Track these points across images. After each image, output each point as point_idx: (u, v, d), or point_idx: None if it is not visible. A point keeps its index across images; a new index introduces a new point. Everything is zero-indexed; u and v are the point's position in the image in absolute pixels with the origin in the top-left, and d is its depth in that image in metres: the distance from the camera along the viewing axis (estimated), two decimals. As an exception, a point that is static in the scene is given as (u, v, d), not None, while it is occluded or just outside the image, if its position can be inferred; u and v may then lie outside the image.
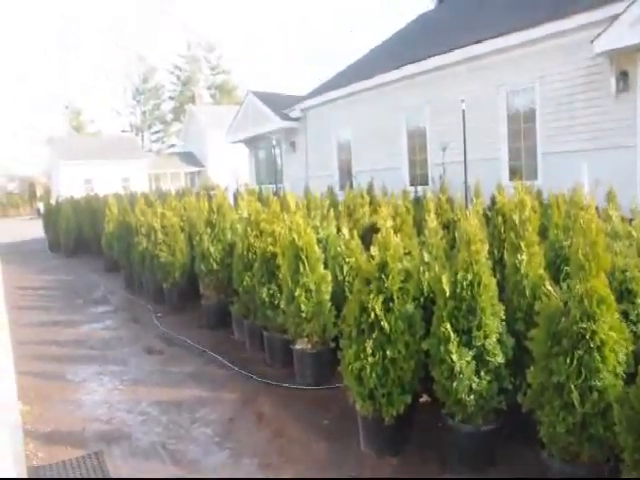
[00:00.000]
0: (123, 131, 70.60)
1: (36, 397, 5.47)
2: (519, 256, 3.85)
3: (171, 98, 73.68)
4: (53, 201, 22.34)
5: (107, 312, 9.32)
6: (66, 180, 44.37)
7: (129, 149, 49.99)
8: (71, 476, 3.90)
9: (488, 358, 3.46)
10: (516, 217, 3.97)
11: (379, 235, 3.86)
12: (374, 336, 3.69)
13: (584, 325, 2.91)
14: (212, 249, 7.50)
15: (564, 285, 3.37)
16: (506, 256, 4.10)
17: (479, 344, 3.46)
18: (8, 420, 4.34)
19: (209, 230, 7.66)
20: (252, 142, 22.42)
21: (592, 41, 8.91)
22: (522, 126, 11.17)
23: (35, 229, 25.05)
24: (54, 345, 7.33)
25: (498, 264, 4.44)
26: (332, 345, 4.96)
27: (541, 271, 3.85)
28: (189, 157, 52.35)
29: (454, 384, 3.43)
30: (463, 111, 9.83)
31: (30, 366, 6.29)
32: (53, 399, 5.45)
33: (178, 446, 4.33)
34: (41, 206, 30.42)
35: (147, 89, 71.60)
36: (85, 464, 4.05)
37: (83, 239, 16.99)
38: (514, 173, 11.04)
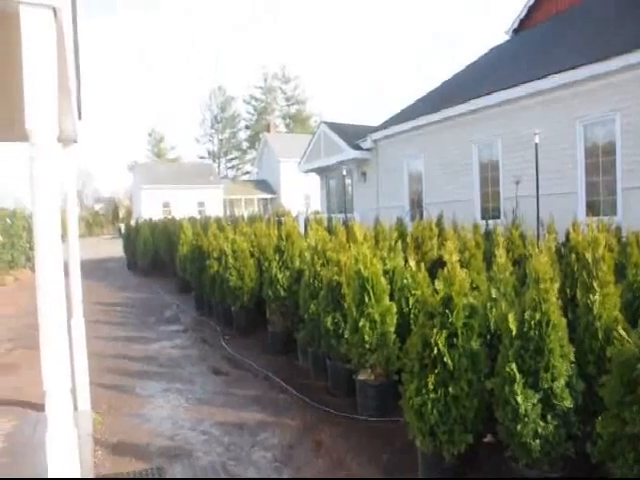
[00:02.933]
0: (201, 158, 73.59)
1: (107, 408, 5.71)
2: (591, 296, 3.70)
3: (247, 127, 76.22)
4: (133, 222, 23.45)
5: (177, 331, 9.62)
6: (146, 203, 46.60)
7: (206, 175, 51.90)
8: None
9: (556, 402, 3.33)
10: (589, 255, 3.83)
11: (445, 269, 3.82)
12: (436, 372, 3.63)
13: (661, 373, 2.75)
14: (280, 275, 7.63)
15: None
16: (578, 295, 3.95)
17: (546, 386, 3.33)
18: (82, 428, 4.57)
19: (277, 257, 7.81)
20: (324, 171, 22.74)
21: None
22: (600, 160, 10.78)
23: (115, 248, 26.35)
24: (126, 359, 7.63)
25: (570, 304, 4.28)
26: (395, 377, 4.91)
27: (616, 312, 3.68)
28: (263, 184, 53.68)
29: (518, 427, 3.31)
30: (536, 144, 9.62)
31: (103, 378, 6.58)
32: (122, 411, 5.67)
33: (238, 468, 4.38)
34: (122, 227, 31.96)
35: (225, 118, 74.37)
36: (147, 477, 4.17)
37: (159, 260, 17.70)
38: (591, 208, 10.63)
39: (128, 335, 9.26)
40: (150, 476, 4.20)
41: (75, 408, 4.66)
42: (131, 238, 20.40)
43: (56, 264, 1.85)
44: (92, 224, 55.30)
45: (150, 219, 23.37)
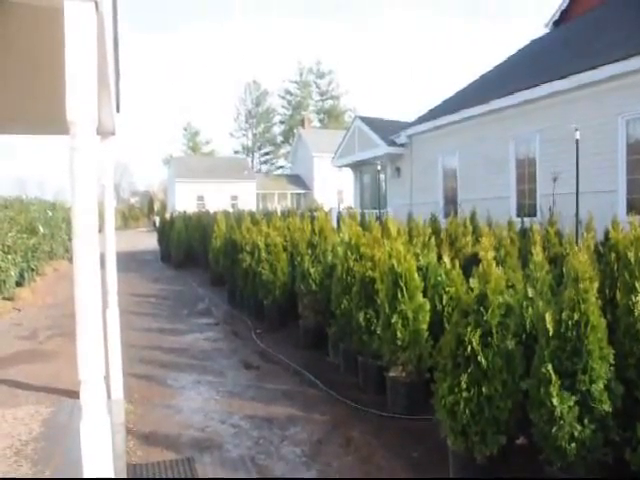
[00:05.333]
0: (235, 152, 74.19)
1: (139, 398, 5.80)
2: (633, 297, 3.58)
3: (281, 122, 76.47)
4: (168, 215, 23.79)
5: (209, 324, 9.73)
6: (181, 196, 47.25)
7: (240, 169, 52.32)
8: (164, 477, 4.08)
9: (593, 405, 3.23)
10: (631, 255, 3.71)
11: (480, 266, 3.75)
12: (470, 371, 3.57)
13: None
14: (312, 270, 7.63)
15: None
16: (619, 296, 3.83)
17: (584, 389, 3.24)
18: (115, 416, 4.65)
19: (310, 251, 7.80)
20: (357, 166, 22.65)
21: None
22: (644, 157, 10.44)
23: (150, 241, 26.78)
24: (158, 350, 7.75)
25: (609, 305, 4.15)
26: (427, 376, 4.85)
27: (659, 315, 3.55)
28: (296, 179, 53.84)
29: (553, 429, 3.23)
30: (577, 140, 9.36)
31: (136, 368, 6.69)
32: (154, 402, 5.75)
33: (266, 462, 4.39)
34: (157, 220, 32.47)
35: (259, 113, 74.77)
36: (177, 468, 4.22)
37: (192, 252, 17.92)
38: (633, 207, 10.31)
39: (161, 327, 9.40)
40: (180, 466, 4.25)
41: (108, 397, 4.74)
42: (165, 231, 20.69)
43: (93, 255, 1.87)
44: (128, 217, 56.28)
45: (184, 212, 23.66)
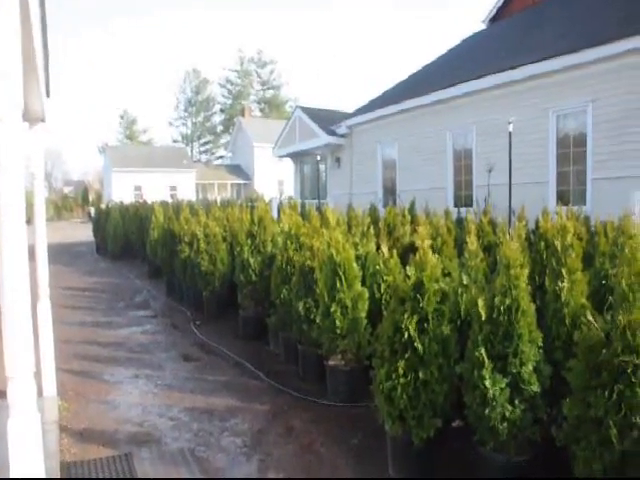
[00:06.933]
0: (174, 141, 72.61)
1: (74, 395, 5.62)
2: (560, 283, 3.75)
3: (222, 111, 75.33)
4: (103, 206, 23.07)
5: (147, 317, 9.51)
6: (117, 186, 45.92)
7: (178, 159, 51.28)
8: (100, 475, 3.97)
9: (523, 386, 3.37)
10: (558, 243, 3.88)
11: (417, 255, 3.83)
12: (407, 357, 3.65)
13: (626, 358, 2.80)
14: (252, 260, 7.59)
15: (608, 316, 3.26)
16: (547, 282, 4.00)
17: (514, 371, 3.37)
18: (47, 414, 4.48)
19: (250, 241, 7.75)
20: (298, 157, 22.63)
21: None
22: (572, 150, 10.92)
23: (85, 232, 25.91)
24: (94, 345, 7.52)
25: (539, 290, 4.34)
26: (366, 363, 4.93)
27: (583, 300, 3.74)
28: (236, 169, 53.27)
29: (486, 411, 3.35)
30: (510, 133, 9.70)
31: (70, 364, 6.48)
32: (89, 398, 5.59)
33: (206, 454, 4.36)
34: (92, 210, 31.43)
35: (199, 101, 73.39)
36: (115, 464, 4.12)
37: (129, 244, 17.45)
38: (562, 198, 10.79)
39: (96, 320, 9.12)
40: (118, 463, 4.15)
41: (40, 394, 4.57)
42: (101, 222, 20.06)
43: (20, 247, 1.80)
44: (61, 207, 54.14)
45: (121, 203, 23.01)
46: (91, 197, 54.77)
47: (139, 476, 3.97)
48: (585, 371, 2.97)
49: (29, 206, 1.99)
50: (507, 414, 3.33)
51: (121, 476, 3.95)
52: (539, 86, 11.34)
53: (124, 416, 5.14)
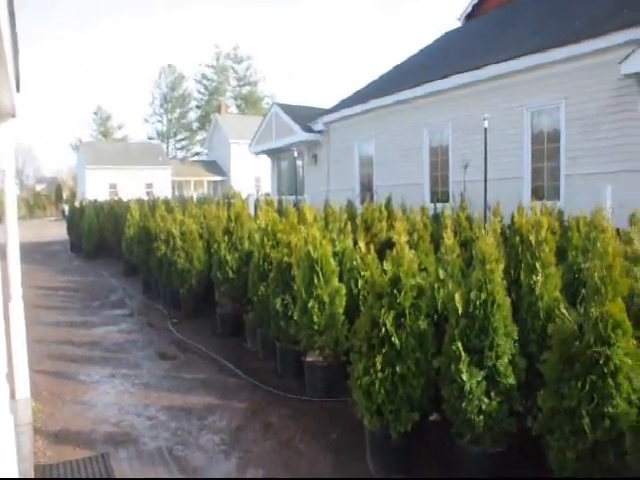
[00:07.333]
0: (150, 138, 71.72)
1: (48, 396, 5.53)
2: (534, 277, 3.80)
3: (198, 107, 74.63)
4: (77, 204, 22.71)
5: (123, 315, 9.40)
6: (92, 184, 45.26)
7: (154, 156, 50.70)
8: (76, 476, 3.92)
9: (499, 379, 3.41)
10: (532, 237, 3.93)
11: (393, 250, 3.85)
12: (384, 351, 3.66)
13: (598, 350, 2.85)
14: (229, 257, 7.54)
15: (581, 308, 3.31)
16: (522, 277, 4.05)
17: (490, 364, 3.41)
18: (20, 416, 4.40)
19: (226, 239, 7.70)
20: (275, 153, 22.55)
21: (620, 63, 8.85)
22: (546, 146, 11.07)
23: (59, 230, 25.50)
24: (69, 345, 7.41)
25: (514, 285, 4.39)
26: (344, 358, 4.94)
27: (557, 293, 3.80)
28: (213, 166, 52.89)
29: (463, 404, 3.39)
30: (485, 129, 9.78)
31: (44, 365, 6.37)
32: (65, 399, 5.50)
33: (185, 452, 4.33)
34: (66, 208, 30.93)
35: (175, 97, 72.63)
36: (91, 465, 4.07)
37: (104, 242, 17.22)
38: (536, 193, 10.93)
39: (71, 320, 8.98)
40: (95, 463, 4.10)
41: (12, 396, 4.48)
42: (75, 220, 19.74)
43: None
44: (33, 205, 53.07)
45: (95, 200, 22.69)
46: (65, 195, 53.86)
47: (116, 476, 3.93)
48: (559, 363, 3.02)
49: (0, 204, 1.93)
50: (483, 407, 3.37)
51: (97, 476, 3.90)
52: (513, 83, 11.47)
53: (100, 416, 5.07)
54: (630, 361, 2.86)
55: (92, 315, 9.38)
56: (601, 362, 2.84)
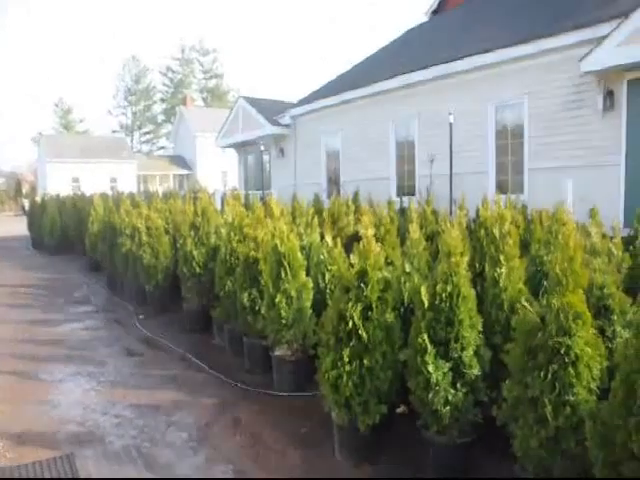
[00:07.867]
0: (113, 131, 70.36)
1: (10, 396, 5.40)
2: (498, 269, 3.87)
3: (162, 100, 73.53)
4: (38, 199, 22.14)
5: (88, 312, 9.22)
6: (53, 178, 44.14)
7: (118, 149, 49.75)
8: (39, 477, 3.83)
9: (465, 370, 3.47)
10: (496, 230, 4.00)
11: (360, 244, 3.86)
12: (351, 345, 3.69)
13: (559, 340, 2.92)
14: (195, 252, 7.47)
15: (544, 300, 3.39)
16: (487, 269, 4.12)
17: (456, 356, 3.47)
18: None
19: (193, 233, 7.63)
20: (242, 147, 22.39)
21: (580, 60, 9.05)
22: (510, 141, 11.27)
23: (19, 226, 24.81)
24: (31, 344, 7.23)
25: (479, 277, 4.46)
26: (312, 352, 4.94)
27: (520, 285, 3.87)
28: (178, 160, 52.17)
29: (430, 395, 3.43)
30: (450, 124, 9.91)
31: (5, 365, 6.22)
32: (27, 399, 5.37)
33: (152, 450, 4.28)
34: (26, 203, 30.14)
35: (139, 90, 71.37)
36: (55, 466, 3.99)
37: (67, 238, 16.85)
38: (501, 187, 11.12)
39: (33, 318, 8.76)
40: (59, 464, 4.02)
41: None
42: (36, 215, 19.24)
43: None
44: (-8, 201, 51.64)
45: (57, 195, 22.16)
46: (25, 189, 52.47)
47: (81, 476, 3.86)
48: (522, 354, 3.08)
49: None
50: (450, 398, 3.43)
51: (62, 476, 3.83)
52: (478, 78, 11.62)
53: (65, 416, 4.97)
54: (590, 350, 2.94)
55: (56, 312, 9.18)
56: (562, 352, 2.91)
